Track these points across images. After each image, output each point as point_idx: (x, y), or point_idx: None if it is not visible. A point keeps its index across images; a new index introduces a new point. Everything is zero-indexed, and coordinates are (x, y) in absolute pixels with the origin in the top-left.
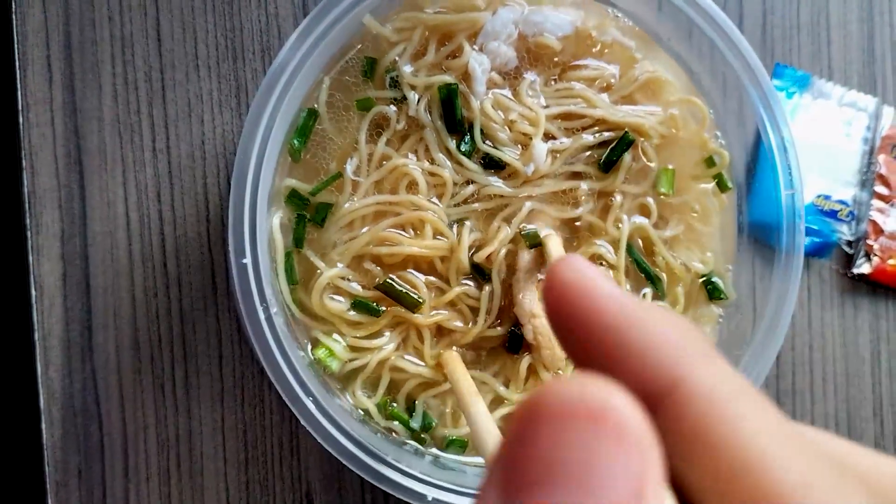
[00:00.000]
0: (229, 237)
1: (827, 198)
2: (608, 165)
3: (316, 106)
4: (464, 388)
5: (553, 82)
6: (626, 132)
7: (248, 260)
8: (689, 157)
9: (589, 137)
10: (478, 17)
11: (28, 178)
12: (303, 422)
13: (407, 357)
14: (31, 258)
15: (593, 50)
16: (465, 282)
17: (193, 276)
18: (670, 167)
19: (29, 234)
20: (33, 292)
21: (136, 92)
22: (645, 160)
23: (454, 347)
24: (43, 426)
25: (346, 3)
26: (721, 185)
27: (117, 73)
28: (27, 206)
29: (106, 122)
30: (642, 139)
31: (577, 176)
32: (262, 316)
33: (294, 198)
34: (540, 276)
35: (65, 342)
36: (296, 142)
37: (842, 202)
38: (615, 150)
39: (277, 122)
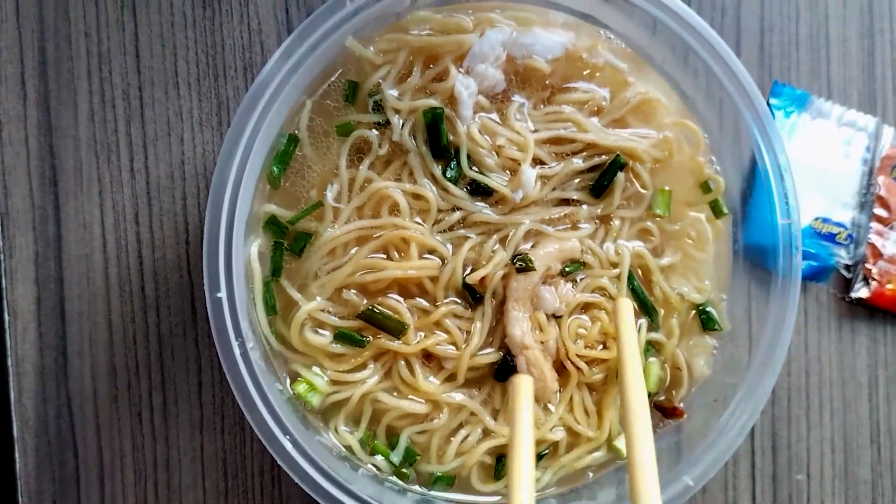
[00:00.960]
0: (204, 269)
1: (825, 220)
2: (599, 190)
3: (297, 131)
4: (519, 429)
5: (542, 105)
6: (617, 156)
7: (223, 293)
8: (683, 182)
9: (579, 162)
10: (465, 38)
11: (1, 199)
12: (280, 462)
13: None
14: (3, 282)
15: (584, 72)
16: (452, 299)
17: (172, 301)
18: (667, 188)
19: (2, 256)
20: (6, 317)
21: (114, 110)
22: (638, 185)
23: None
24: (17, 455)
25: (329, 22)
26: (716, 211)
27: (94, 91)
28: (0, 227)
29: (82, 141)
30: (635, 163)
31: (567, 202)
32: (237, 352)
33: (272, 225)
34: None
35: (39, 368)
36: (275, 168)
37: (840, 225)
38: (606, 174)
39: (256, 146)
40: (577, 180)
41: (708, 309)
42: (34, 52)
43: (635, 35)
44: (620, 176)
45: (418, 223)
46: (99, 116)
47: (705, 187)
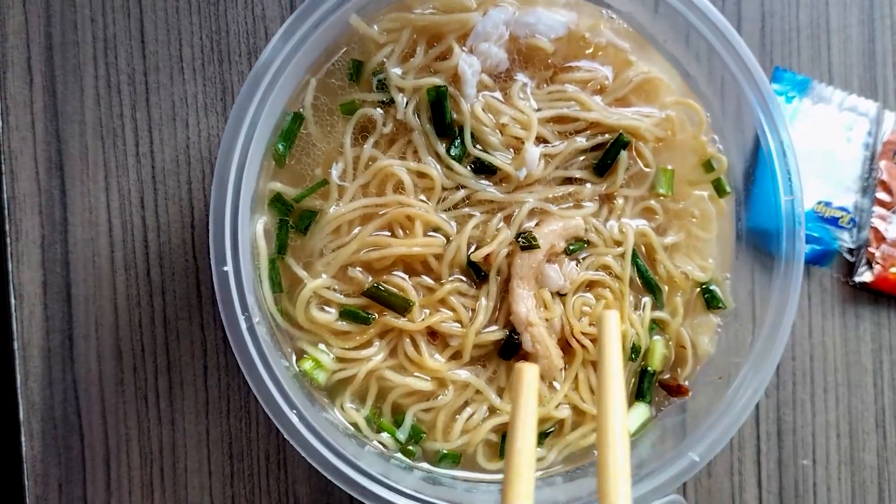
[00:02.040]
0: (210, 244)
1: (827, 204)
2: (602, 169)
3: (301, 110)
4: (520, 415)
5: (545, 84)
6: (620, 134)
7: (229, 268)
8: (686, 161)
9: (582, 140)
10: (468, 17)
11: (7, 183)
12: (286, 436)
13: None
14: (10, 265)
15: (587, 52)
16: (457, 276)
17: (178, 284)
18: (669, 167)
19: (8, 240)
20: (12, 300)
21: (119, 95)
22: (641, 164)
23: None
24: (22, 438)
25: (331, 1)
26: (719, 190)
27: (100, 76)
28: (6, 211)
29: (88, 125)
30: (638, 142)
31: (570, 181)
32: (243, 326)
33: (278, 202)
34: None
35: (45, 352)
36: (280, 146)
37: (843, 209)
38: (609, 152)
39: (261, 124)
40: (580, 159)
41: (712, 287)
42: (40, 37)
43: (638, 14)
44: (623, 154)
45: (423, 201)
46: (105, 101)
47: (708, 166)
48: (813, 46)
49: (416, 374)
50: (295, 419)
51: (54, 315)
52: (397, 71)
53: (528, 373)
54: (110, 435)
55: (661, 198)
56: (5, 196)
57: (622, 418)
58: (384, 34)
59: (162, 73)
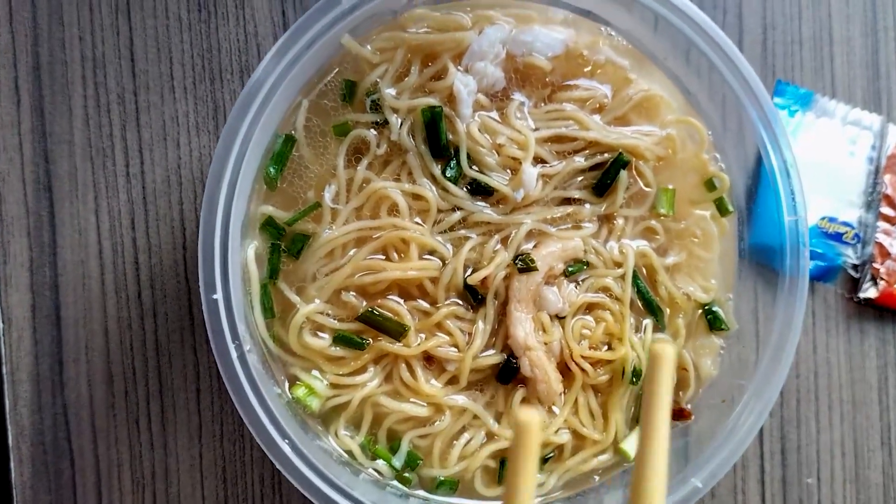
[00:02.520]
0: (199, 271)
1: (832, 220)
2: (602, 189)
3: (293, 131)
4: (520, 481)
5: (543, 104)
6: (619, 153)
7: (218, 295)
8: (687, 180)
9: (581, 160)
10: (463, 36)
11: None
12: (279, 466)
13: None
14: None
15: (585, 70)
16: (453, 300)
17: (169, 307)
18: (670, 187)
19: None
20: (1, 324)
21: (109, 115)
22: (641, 184)
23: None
24: (12, 464)
25: (324, 21)
26: (721, 209)
27: (89, 96)
28: None
29: (77, 146)
30: (638, 161)
31: (569, 201)
32: (234, 355)
33: (269, 226)
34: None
35: (34, 376)
36: (272, 169)
37: (847, 224)
38: (608, 172)
39: (252, 146)
40: (579, 179)
41: (714, 308)
42: (28, 56)
43: (637, 31)
44: (623, 174)
45: (418, 223)
46: (94, 121)
47: (710, 185)
48: (816, 59)
49: (411, 399)
50: (287, 449)
51: (43, 339)
52: (391, 91)
53: (531, 420)
54: (101, 460)
55: (662, 218)
56: None
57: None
58: (377, 54)
59: (152, 92)
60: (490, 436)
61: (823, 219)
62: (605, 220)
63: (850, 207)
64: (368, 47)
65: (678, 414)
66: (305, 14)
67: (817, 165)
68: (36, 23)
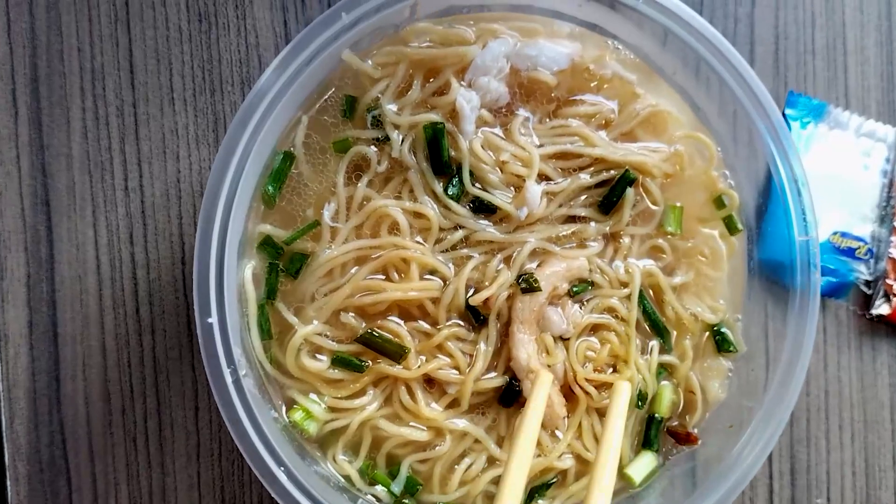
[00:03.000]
0: (194, 294)
1: (844, 235)
2: (608, 206)
3: (292, 148)
4: (525, 429)
5: (548, 119)
6: (626, 170)
7: (213, 319)
8: (695, 197)
9: (586, 177)
10: (466, 50)
11: None
12: (274, 495)
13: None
14: None
15: (591, 84)
16: (455, 321)
17: (168, 323)
18: (678, 204)
19: None
20: None
21: (108, 127)
22: (648, 201)
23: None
24: (8, 482)
25: (327, 34)
26: (731, 227)
27: (87, 108)
28: None
29: (75, 159)
30: (645, 178)
31: (574, 219)
32: (229, 380)
33: (267, 245)
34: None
35: (31, 393)
36: (270, 187)
37: (859, 239)
38: (615, 189)
39: (250, 163)
40: (584, 196)
41: (723, 330)
42: (25, 68)
43: (645, 46)
44: (630, 192)
45: (419, 242)
46: (92, 134)
47: (719, 202)
48: (829, 69)
49: (411, 423)
50: (283, 477)
51: (40, 355)
52: (392, 107)
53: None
54: (98, 478)
55: (670, 236)
56: None
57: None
58: (379, 69)
59: (152, 105)
60: (491, 461)
61: (836, 234)
62: (612, 238)
63: (863, 222)
64: (369, 62)
65: (685, 438)
66: (306, 28)
67: (830, 178)
68: (34, 34)
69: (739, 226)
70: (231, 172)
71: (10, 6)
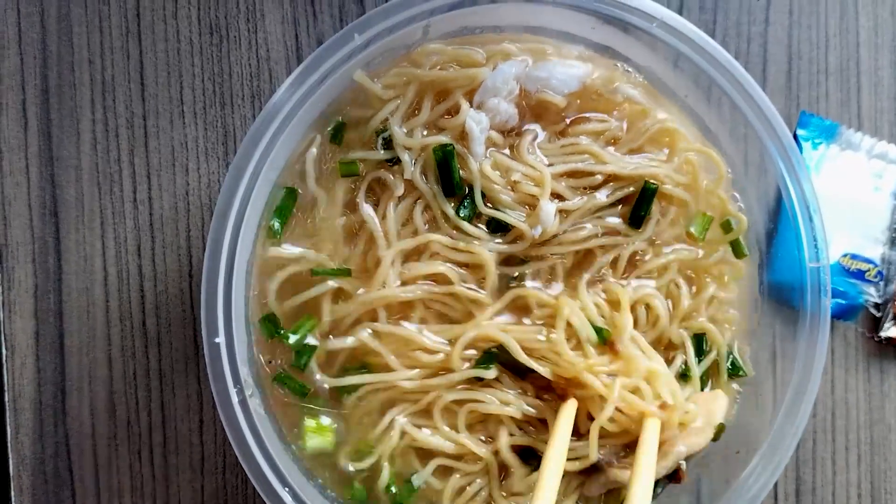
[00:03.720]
0: (202, 313)
1: (854, 257)
2: (637, 220)
3: (295, 184)
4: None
5: (557, 138)
6: (646, 182)
7: (221, 339)
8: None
9: (602, 197)
10: (477, 72)
11: (0, 230)
12: None
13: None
14: (2, 315)
15: (600, 105)
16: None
17: (174, 336)
18: (709, 214)
19: (0, 289)
20: (4, 351)
21: (117, 140)
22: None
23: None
24: (12, 493)
25: (338, 55)
26: (737, 251)
27: (97, 120)
28: None
29: (84, 171)
30: (662, 185)
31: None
32: (235, 400)
33: (269, 322)
34: None
35: (36, 404)
36: (275, 223)
37: (869, 261)
38: (642, 204)
39: (260, 180)
40: (600, 213)
41: (733, 353)
42: (36, 79)
43: (657, 68)
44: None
45: (473, 289)
46: (102, 146)
47: (726, 226)
48: (842, 90)
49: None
50: (288, 498)
51: (47, 367)
52: (401, 129)
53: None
54: (102, 491)
55: (690, 239)
56: None
57: None
58: (389, 90)
59: (161, 117)
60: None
61: (845, 256)
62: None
63: (874, 244)
64: (379, 84)
65: (673, 475)
66: (319, 48)
67: (840, 200)
68: (45, 45)
69: (746, 251)
70: (241, 191)
71: (21, 17)
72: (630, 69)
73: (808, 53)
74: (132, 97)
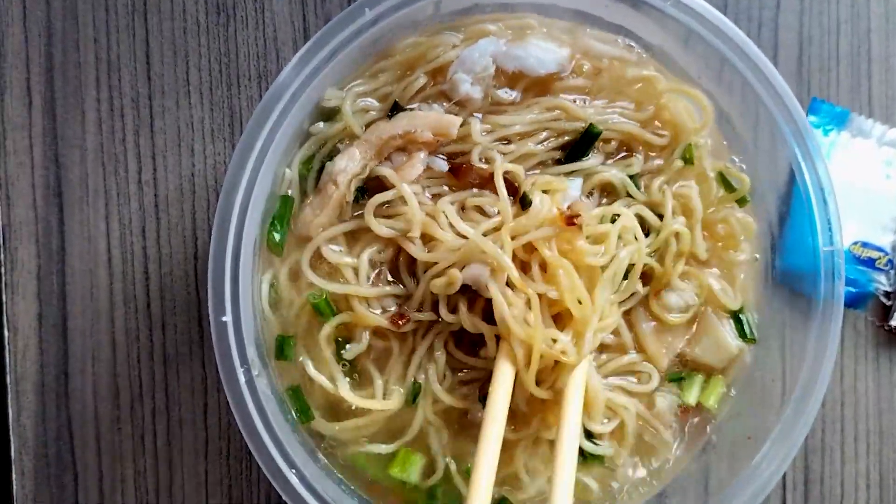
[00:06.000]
0: (209, 292)
1: (865, 245)
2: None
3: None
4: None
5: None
6: (590, 125)
7: (228, 318)
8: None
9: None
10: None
11: (3, 210)
12: (285, 498)
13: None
14: (4, 296)
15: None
16: None
17: (179, 318)
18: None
19: (3, 270)
20: (6, 333)
21: (122, 119)
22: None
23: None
24: (14, 476)
25: (348, 31)
26: (740, 202)
27: (102, 99)
28: (1, 240)
29: (89, 151)
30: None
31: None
32: (242, 380)
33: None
34: None
35: (39, 387)
36: (276, 235)
37: (880, 249)
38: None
39: (268, 159)
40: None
41: (742, 317)
42: (41, 57)
43: (669, 48)
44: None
45: None
46: (107, 125)
47: (728, 186)
48: (853, 76)
49: None
50: (294, 479)
51: (49, 349)
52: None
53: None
54: (105, 475)
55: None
56: (1, 223)
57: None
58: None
59: (167, 97)
60: None
61: (856, 243)
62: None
63: (884, 232)
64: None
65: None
66: (330, 22)
67: (851, 187)
68: (50, 22)
69: (748, 199)
70: (249, 170)
71: None
72: (633, 44)
73: (819, 39)
74: (138, 77)
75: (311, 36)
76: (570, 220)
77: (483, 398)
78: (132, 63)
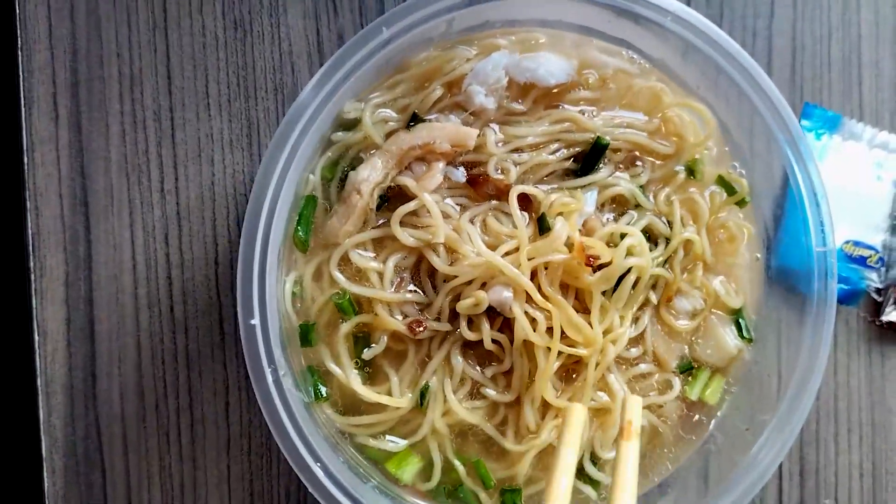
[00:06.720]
0: (237, 295)
1: (856, 244)
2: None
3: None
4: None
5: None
6: (598, 137)
7: (256, 321)
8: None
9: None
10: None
11: (32, 220)
12: (311, 490)
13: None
14: (34, 302)
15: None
16: None
17: (201, 321)
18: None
19: (32, 277)
20: (36, 337)
21: (145, 131)
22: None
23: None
24: (45, 475)
25: (366, 49)
26: (740, 203)
27: (125, 112)
28: (31, 248)
29: (113, 162)
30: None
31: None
32: (269, 379)
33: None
34: None
35: (68, 388)
36: (301, 231)
37: (871, 248)
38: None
39: (294, 165)
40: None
41: (741, 318)
42: (66, 73)
43: (669, 60)
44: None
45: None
46: (130, 138)
47: (728, 189)
48: (844, 82)
49: None
50: (320, 472)
51: (77, 352)
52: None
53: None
54: (132, 472)
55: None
56: (30, 233)
57: None
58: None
59: (188, 110)
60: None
61: (848, 242)
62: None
63: (875, 231)
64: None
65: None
66: (349, 42)
67: (843, 189)
68: (75, 39)
69: (748, 199)
70: (273, 184)
71: (51, 12)
72: (635, 56)
73: (812, 46)
74: (159, 90)
75: (325, 50)
76: (590, 259)
77: None
78: (154, 77)
